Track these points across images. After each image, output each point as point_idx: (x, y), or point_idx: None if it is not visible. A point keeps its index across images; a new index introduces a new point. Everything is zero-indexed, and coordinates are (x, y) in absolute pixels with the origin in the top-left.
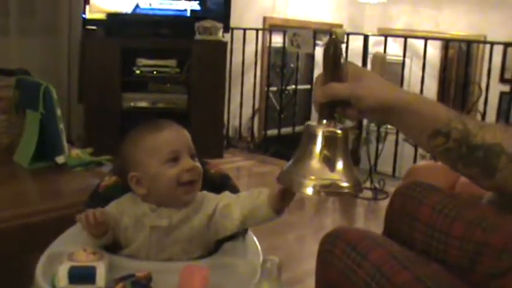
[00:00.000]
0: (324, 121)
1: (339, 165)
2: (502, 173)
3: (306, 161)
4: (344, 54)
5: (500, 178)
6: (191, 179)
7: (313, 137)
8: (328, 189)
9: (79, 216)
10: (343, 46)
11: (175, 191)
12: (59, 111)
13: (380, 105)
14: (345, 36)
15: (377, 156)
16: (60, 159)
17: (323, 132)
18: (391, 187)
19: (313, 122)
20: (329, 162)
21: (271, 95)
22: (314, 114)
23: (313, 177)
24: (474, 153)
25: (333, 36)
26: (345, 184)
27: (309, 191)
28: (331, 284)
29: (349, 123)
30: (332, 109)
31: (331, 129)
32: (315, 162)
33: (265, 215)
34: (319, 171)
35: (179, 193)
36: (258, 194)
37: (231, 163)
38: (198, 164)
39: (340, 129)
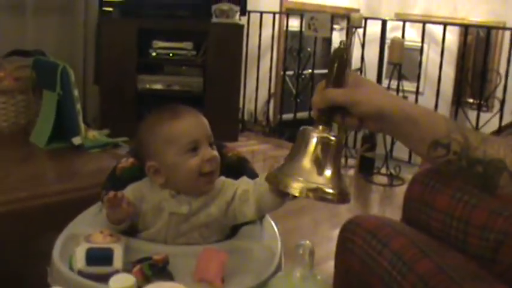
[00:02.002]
0: (320, 127)
1: (328, 171)
2: (503, 190)
3: (297, 163)
4: (350, 59)
5: (502, 195)
6: (212, 169)
7: (307, 140)
8: (313, 193)
9: (107, 198)
10: (361, 31)
11: (196, 181)
12: (76, 92)
13: (377, 111)
14: (363, 21)
15: (393, 142)
16: (76, 140)
17: (317, 138)
18: (406, 173)
19: (309, 126)
20: (319, 167)
21: (287, 79)
22: None
23: (300, 179)
24: (474, 168)
25: (341, 46)
26: (330, 190)
27: (295, 191)
28: (351, 271)
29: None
30: (330, 116)
31: (325, 135)
32: (305, 165)
33: (272, 202)
34: (308, 174)
35: (200, 183)
36: (260, 180)
37: (246, 147)
38: (215, 152)
39: (335, 136)
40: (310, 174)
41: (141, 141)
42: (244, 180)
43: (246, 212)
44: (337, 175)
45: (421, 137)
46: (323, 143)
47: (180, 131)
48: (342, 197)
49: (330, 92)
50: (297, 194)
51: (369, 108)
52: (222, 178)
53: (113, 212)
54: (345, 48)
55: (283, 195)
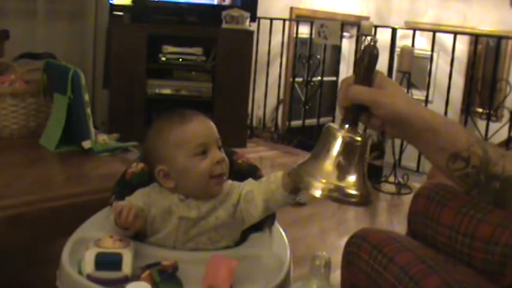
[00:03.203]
0: (346, 126)
1: (352, 173)
2: None
3: (320, 162)
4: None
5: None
6: (222, 172)
7: (332, 139)
8: (336, 195)
9: (116, 209)
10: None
11: (207, 184)
12: (86, 96)
13: (399, 116)
14: (373, 29)
15: (401, 151)
16: (86, 144)
17: (343, 137)
18: (414, 182)
19: (335, 124)
20: (343, 168)
21: (296, 85)
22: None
23: (323, 180)
24: (491, 183)
25: (371, 43)
26: (353, 192)
27: (317, 193)
28: (356, 286)
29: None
30: (356, 115)
31: (351, 135)
32: (329, 166)
33: (283, 199)
34: (331, 176)
35: (211, 185)
36: (273, 177)
37: (254, 153)
38: (224, 154)
39: (361, 136)
40: (332, 176)
41: (150, 146)
42: (249, 182)
43: (253, 212)
44: (361, 177)
45: (441, 148)
46: (347, 143)
47: (189, 134)
48: (363, 199)
49: (355, 89)
50: (317, 196)
51: (389, 112)
52: (229, 181)
53: (119, 222)
54: (375, 45)
55: (295, 191)
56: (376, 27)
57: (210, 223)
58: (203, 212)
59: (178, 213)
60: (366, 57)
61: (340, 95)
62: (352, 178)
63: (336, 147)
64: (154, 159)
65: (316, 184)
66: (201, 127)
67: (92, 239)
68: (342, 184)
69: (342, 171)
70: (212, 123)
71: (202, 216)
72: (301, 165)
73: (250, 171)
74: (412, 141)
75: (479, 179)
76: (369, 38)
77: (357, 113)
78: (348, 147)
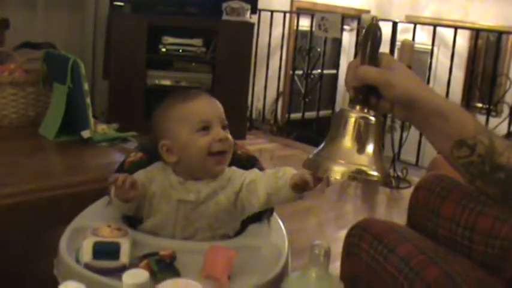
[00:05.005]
0: (357, 107)
1: (370, 152)
2: None
3: (336, 145)
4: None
5: None
6: (221, 149)
7: (346, 121)
8: (357, 175)
9: (111, 178)
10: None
11: (205, 161)
12: (86, 86)
13: (408, 98)
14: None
15: (401, 145)
16: (85, 134)
17: (356, 118)
18: (414, 176)
19: (346, 107)
20: (360, 148)
21: (296, 78)
22: (339, 99)
23: (342, 161)
24: (496, 174)
25: (373, 22)
26: (374, 172)
27: (337, 175)
28: (357, 276)
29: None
30: (366, 95)
31: (364, 114)
32: (345, 147)
33: (287, 197)
34: (349, 156)
35: (209, 163)
36: (282, 173)
37: (254, 145)
38: (229, 135)
39: (375, 115)
40: (351, 156)
41: (155, 121)
42: (254, 171)
43: (254, 202)
44: (378, 155)
45: (448, 134)
46: (362, 122)
47: (192, 110)
48: (385, 178)
49: (364, 69)
50: (338, 178)
51: (401, 93)
52: (233, 168)
53: (121, 192)
54: (378, 24)
55: (301, 190)
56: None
57: (210, 208)
58: (202, 196)
59: (177, 196)
60: (370, 38)
61: (349, 76)
62: (370, 157)
63: (351, 128)
64: (158, 134)
65: (336, 167)
66: (205, 104)
67: (90, 228)
68: (362, 164)
69: (359, 151)
70: (217, 103)
71: (201, 201)
72: (317, 153)
73: (250, 162)
74: (420, 124)
75: (483, 168)
76: (372, 19)
77: (366, 94)
78: (362, 127)
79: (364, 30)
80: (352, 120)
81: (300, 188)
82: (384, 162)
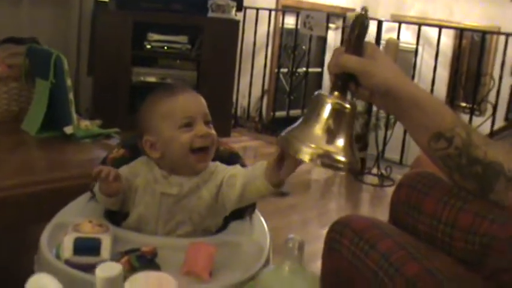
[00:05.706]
0: (336, 93)
1: (340, 139)
2: (495, 196)
3: (309, 128)
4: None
5: (494, 199)
6: (203, 145)
7: (321, 106)
8: (324, 160)
9: (95, 170)
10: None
11: (188, 158)
12: (69, 81)
13: (386, 88)
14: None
15: (385, 143)
16: (68, 130)
17: (332, 104)
18: (397, 174)
19: (324, 92)
20: (331, 134)
21: (281, 76)
22: None
23: (312, 145)
24: (473, 167)
25: (362, 13)
26: (342, 159)
27: (305, 157)
28: (338, 272)
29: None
30: (345, 83)
31: (339, 101)
32: (318, 131)
33: (261, 187)
34: (320, 141)
35: (191, 160)
36: (260, 165)
37: (238, 142)
38: (212, 131)
39: (350, 104)
40: (321, 141)
41: (139, 117)
42: (236, 167)
43: (231, 197)
44: (349, 143)
45: (425, 125)
46: (337, 110)
47: (175, 106)
48: (351, 165)
49: (345, 57)
50: (306, 160)
51: (377, 82)
52: (217, 163)
53: (104, 185)
54: (366, 15)
55: (278, 184)
56: None
57: (192, 202)
58: (185, 190)
59: (160, 189)
60: (356, 27)
61: (331, 61)
62: (340, 144)
63: (325, 113)
64: (142, 130)
65: (305, 149)
66: (189, 100)
67: (71, 224)
68: (331, 149)
69: (330, 137)
70: (201, 99)
71: (184, 194)
72: (290, 131)
73: (232, 159)
74: (398, 115)
75: (460, 161)
76: (362, 9)
77: (346, 81)
78: (337, 114)
79: (352, 20)
80: (327, 106)
81: (275, 179)
82: (354, 150)
